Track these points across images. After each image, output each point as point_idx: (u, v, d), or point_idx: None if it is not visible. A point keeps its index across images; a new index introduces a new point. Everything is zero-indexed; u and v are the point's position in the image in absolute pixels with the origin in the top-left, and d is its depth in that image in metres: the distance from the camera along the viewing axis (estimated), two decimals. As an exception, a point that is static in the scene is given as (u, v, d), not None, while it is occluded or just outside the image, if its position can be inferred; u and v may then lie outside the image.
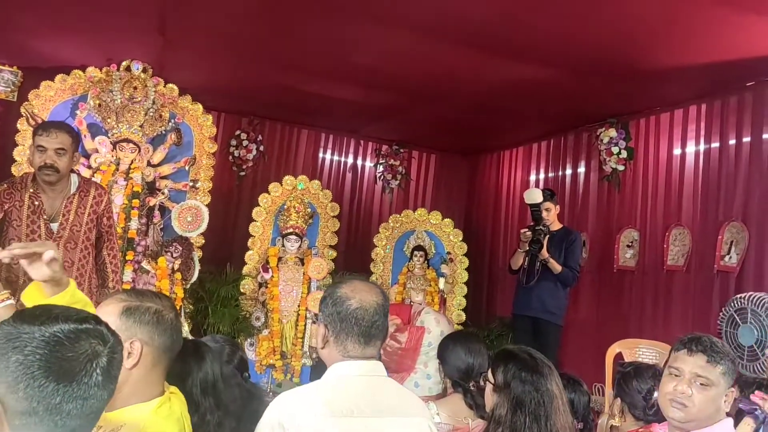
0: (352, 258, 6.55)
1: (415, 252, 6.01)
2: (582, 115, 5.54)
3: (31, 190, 3.15)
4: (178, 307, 4.75)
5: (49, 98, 4.98)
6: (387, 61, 4.66)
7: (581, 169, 5.84)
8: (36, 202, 3.15)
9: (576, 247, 4.84)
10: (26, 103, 4.93)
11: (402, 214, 6.29)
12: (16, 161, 4.79)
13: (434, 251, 6.13)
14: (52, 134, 3.10)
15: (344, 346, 1.72)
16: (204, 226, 5.12)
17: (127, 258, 4.72)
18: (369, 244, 6.34)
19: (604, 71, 4.38)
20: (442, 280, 5.87)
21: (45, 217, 3.17)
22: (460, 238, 6.15)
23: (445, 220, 6.20)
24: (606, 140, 5.33)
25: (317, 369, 5.18)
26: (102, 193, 3.41)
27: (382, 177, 7.18)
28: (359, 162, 7.26)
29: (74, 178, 3.29)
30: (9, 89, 5.47)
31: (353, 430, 1.61)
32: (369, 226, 7.01)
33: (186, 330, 4.63)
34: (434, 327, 4.52)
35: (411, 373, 4.31)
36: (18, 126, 4.90)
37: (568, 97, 5.05)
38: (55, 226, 3.19)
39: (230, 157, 6.42)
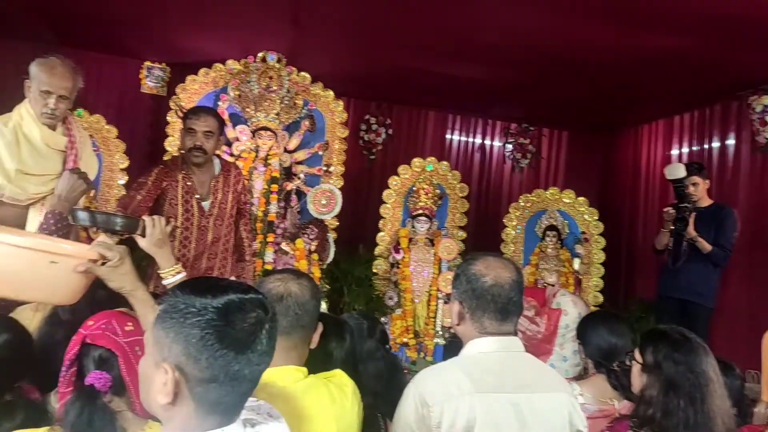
0: (482, 238, 6.49)
1: (548, 232, 5.85)
2: (731, 83, 5.11)
3: (183, 171, 3.37)
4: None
5: (194, 91, 5.32)
6: (514, 37, 4.55)
7: (730, 141, 5.41)
8: (189, 183, 3.36)
9: (728, 225, 4.50)
10: (174, 96, 5.30)
11: (533, 194, 6.15)
12: (167, 151, 5.16)
13: (568, 231, 5.93)
14: (201, 118, 3.30)
15: (480, 322, 1.71)
16: (338, 209, 5.29)
17: (267, 240, 4.98)
18: (499, 225, 6.26)
19: (759, 33, 4.01)
20: (577, 261, 5.69)
21: (197, 196, 3.38)
22: (596, 217, 5.92)
23: (579, 198, 5.99)
24: (759, 109, 4.90)
25: (450, 348, 5.21)
26: (239, 173, 3.60)
27: (512, 156, 7.05)
28: (487, 142, 7.16)
29: (216, 160, 3.49)
30: (159, 85, 5.92)
31: (497, 406, 1.60)
32: (498, 207, 6.91)
33: (324, 308, 4.82)
34: (571, 308, 4.40)
35: (548, 356, 4.23)
36: (168, 118, 5.27)
37: (714, 64, 4.68)
38: (206, 204, 3.39)
39: (360, 141, 6.56)
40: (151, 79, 5.91)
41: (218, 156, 3.55)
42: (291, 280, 1.59)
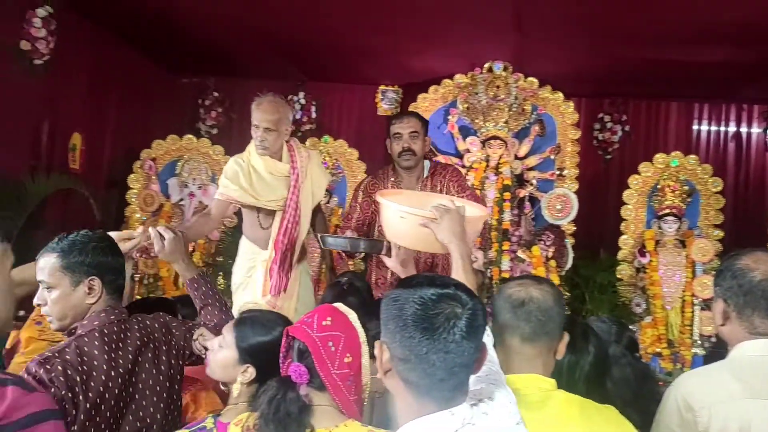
0: (743, 237, 5.77)
1: (828, 226, 5.07)
2: None
3: (392, 179, 3.43)
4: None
5: (425, 108, 5.53)
6: (763, 8, 4.04)
7: None
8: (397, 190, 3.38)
9: None
10: (407, 116, 5.57)
11: (806, 182, 5.38)
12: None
13: None
14: (405, 120, 3.37)
15: (750, 322, 1.56)
16: (574, 214, 5.14)
17: (503, 248, 4.99)
18: (763, 221, 5.58)
19: None
20: None
21: None
22: None
23: None
24: None
25: (711, 359, 4.71)
26: (444, 168, 3.49)
27: (775, 142, 6.24)
28: (743, 129, 6.44)
29: (426, 163, 3.47)
30: (393, 106, 6.30)
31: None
32: (762, 200, 6.16)
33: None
34: None
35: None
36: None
37: None
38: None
39: (594, 141, 6.32)
40: (385, 101, 6.30)
41: (430, 159, 3.52)
42: (532, 285, 1.57)
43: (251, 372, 1.72)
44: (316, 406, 1.49)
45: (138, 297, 5.05)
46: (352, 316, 1.57)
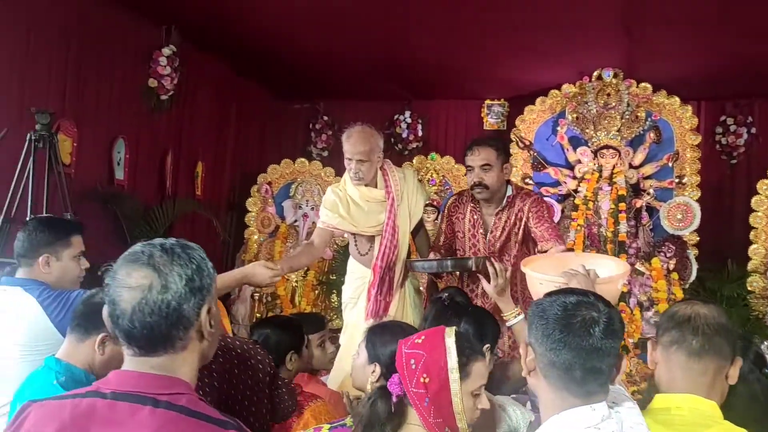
0: None
1: None
2: None
3: (472, 204, 3.27)
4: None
5: (532, 121, 5.47)
6: None
7: None
8: (475, 216, 3.24)
9: None
10: (514, 129, 5.52)
11: None
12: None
13: None
14: (476, 152, 3.11)
15: None
16: (696, 223, 4.91)
17: (620, 261, 4.79)
18: None
19: None
20: None
21: (481, 230, 3.23)
22: None
23: None
24: None
25: None
26: (523, 198, 3.20)
27: None
28: None
29: (509, 190, 3.19)
30: (499, 120, 6.24)
31: None
32: None
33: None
34: None
35: None
36: (511, 151, 5.49)
37: None
38: (488, 238, 3.22)
39: (717, 146, 5.95)
40: (491, 115, 6.26)
41: (513, 185, 3.27)
42: (698, 304, 1.56)
43: (378, 371, 1.83)
44: (407, 424, 1.55)
45: (258, 315, 5.30)
46: (449, 340, 1.58)
